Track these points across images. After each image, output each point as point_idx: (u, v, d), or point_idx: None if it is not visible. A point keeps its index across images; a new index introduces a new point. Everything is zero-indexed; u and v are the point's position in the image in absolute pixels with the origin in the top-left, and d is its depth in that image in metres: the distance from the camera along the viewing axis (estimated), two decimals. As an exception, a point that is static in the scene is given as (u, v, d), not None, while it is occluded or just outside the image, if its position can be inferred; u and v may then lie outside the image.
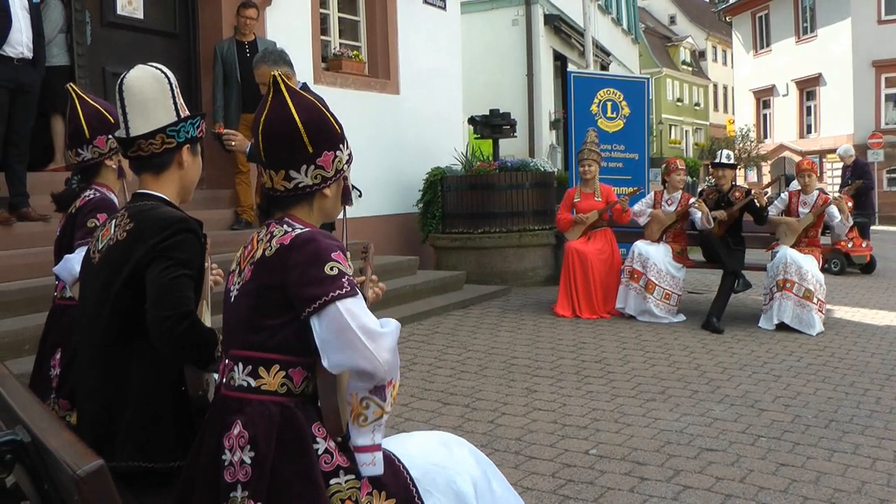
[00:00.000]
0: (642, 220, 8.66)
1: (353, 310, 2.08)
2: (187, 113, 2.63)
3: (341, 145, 2.30)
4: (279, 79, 2.26)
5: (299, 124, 2.21)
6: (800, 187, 8.31)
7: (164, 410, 2.42)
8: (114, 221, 2.56)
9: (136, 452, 2.37)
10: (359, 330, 2.06)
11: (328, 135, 2.26)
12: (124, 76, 2.59)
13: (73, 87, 3.51)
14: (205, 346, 2.35)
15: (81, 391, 2.59)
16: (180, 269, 2.37)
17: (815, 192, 8.18)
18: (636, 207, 8.77)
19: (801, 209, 8.12)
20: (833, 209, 7.96)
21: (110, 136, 3.32)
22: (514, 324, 8.19)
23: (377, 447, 2.16)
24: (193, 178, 2.72)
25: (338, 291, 2.08)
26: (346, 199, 2.39)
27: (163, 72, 2.60)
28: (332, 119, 2.29)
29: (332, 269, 2.10)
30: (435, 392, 5.72)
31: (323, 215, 2.35)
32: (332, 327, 2.07)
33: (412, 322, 8.09)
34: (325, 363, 2.09)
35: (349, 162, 2.35)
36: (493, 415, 5.22)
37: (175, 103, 2.59)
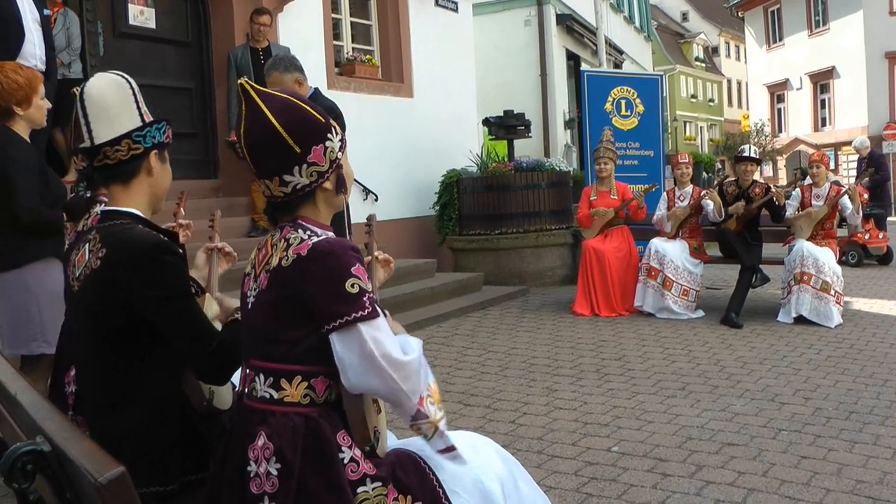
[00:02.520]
0: (664, 224, 8.65)
1: (377, 335, 2.04)
2: (152, 119, 2.53)
3: (329, 134, 2.20)
4: (247, 85, 2.18)
5: (279, 129, 2.12)
6: (810, 181, 8.31)
7: (170, 431, 2.37)
8: (87, 245, 2.43)
9: (147, 479, 2.29)
10: (383, 359, 2.03)
11: (312, 129, 2.17)
12: (84, 86, 2.49)
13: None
14: (238, 353, 2.31)
15: (88, 420, 2.54)
16: (184, 301, 2.32)
17: (828, 184, 8.15)
18: (656, 219, 8.74)
19: (814, 202, 8.09)
20: (845, 199, 7.94)
21: None
22: (533, 324, 8.20)
23: (452, 448, 2.16)
24: (164, 186, 2.60)
25: (360, 312, 2.03)
26: (339, 188, 2.26)
27: (125, 78, 2.51)
28: (312, 111, 2.19)
29: (352, 286, 2.04)
30: (455, 394, 5.74)
31: (330, 207, 2.28)
32: (355, 351, 2.03)
33: (431, 324, 8.09)
34: (345, 383, 2.08)
35: (342, 148, 2.26)
36: (514, 415, 5.23)
37: (139, 109, 2.49)
